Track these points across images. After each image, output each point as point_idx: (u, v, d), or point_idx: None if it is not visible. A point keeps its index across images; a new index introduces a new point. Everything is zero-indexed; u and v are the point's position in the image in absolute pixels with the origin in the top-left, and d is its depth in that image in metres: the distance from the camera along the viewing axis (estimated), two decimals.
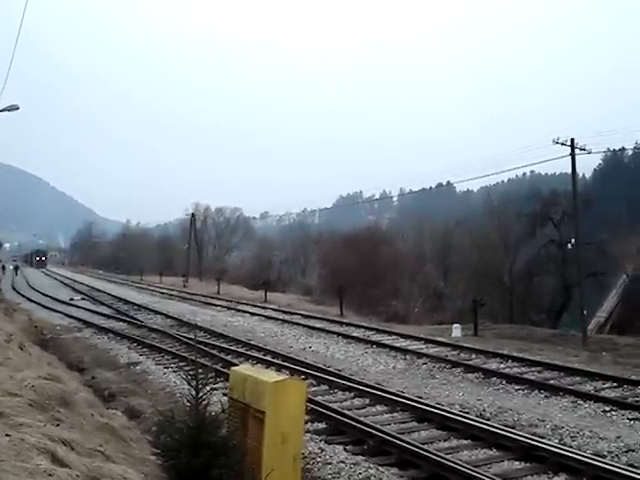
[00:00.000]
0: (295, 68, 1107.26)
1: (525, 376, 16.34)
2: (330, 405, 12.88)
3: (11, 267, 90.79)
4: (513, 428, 11.38)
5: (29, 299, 42.64)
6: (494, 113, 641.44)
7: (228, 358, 18.42)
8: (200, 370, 6.96)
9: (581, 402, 13.62)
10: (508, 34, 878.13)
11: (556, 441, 10.70)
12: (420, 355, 19.56)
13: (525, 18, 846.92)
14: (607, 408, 13.11)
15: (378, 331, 25.84)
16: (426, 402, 13.29)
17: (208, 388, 6.90)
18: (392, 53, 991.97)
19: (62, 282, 67.98)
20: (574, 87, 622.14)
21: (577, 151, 28.67)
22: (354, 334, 24.52)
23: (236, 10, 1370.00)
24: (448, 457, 9.57)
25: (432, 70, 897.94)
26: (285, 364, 17.60)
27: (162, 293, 50.85)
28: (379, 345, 21.72)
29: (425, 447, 10.10)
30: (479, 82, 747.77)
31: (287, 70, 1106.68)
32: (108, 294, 47.29)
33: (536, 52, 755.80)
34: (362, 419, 11.77)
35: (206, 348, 19.67)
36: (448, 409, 12.71)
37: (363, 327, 27.15)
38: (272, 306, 37.48)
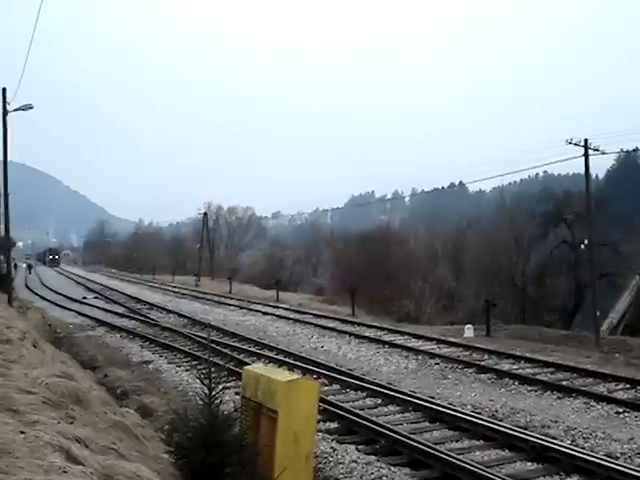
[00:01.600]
0: (308, 68, 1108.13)
1: (538, 377, 16.26)
2: (342, 405, 12.90)
3: (24, 266, 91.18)
4: (526, 429, 11.35)
5: (43, 297, 42.91)
6: (507, 112, 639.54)
7: (240, 357, 18.46)
8: (213, 369, 6.97)
9: (594, 403, 13.56)
10: (521, 31, 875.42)
11: (569, 442, 10.67)
12: (432, 355, 19.52)
13: (538, 14, 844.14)
14: (620, 409, 13.04)
15: (390, 331, 25.79)
16: (438, 402, 13.29)
17: (221, 387, 6.92)
18: (404, 52, 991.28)
19: (75, 281, 68.27)
20: (588, 86, 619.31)
21: (591, 152, 28.54)
22: (366, 334, 24.49)
23: (251, 12, 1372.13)
24: (460, 457, 9.56)
25: (444, 69, 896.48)
26: (297, 363, 17.61)
27: (174, 292, 50.95)
28: (391, 345, 21.69)
29: (437, 447, 10.09)
30: (492, 81, 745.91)
31: (301, 70, 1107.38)
32: (121, 293, 47.51)
33: (550, 51, 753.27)
34: (374, 419, 11.78)
35: (218, 347, 19.71)
36: (460, 409, 12.70)
37: (375, 327, 27.10)
38: (284, 305, 37.47)
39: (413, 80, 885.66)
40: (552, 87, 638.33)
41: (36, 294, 46.58)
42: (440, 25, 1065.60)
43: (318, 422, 9.73)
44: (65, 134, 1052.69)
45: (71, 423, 6.12)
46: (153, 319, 29.10)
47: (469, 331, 25.93)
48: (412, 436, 10.67)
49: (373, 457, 10.05)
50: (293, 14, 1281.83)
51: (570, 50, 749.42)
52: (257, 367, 9.43)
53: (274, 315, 31.80)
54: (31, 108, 30.86)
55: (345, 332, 25.02)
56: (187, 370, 17.16)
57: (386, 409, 13.24)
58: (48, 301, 39.88)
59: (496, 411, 12.94)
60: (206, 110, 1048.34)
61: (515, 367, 17.85)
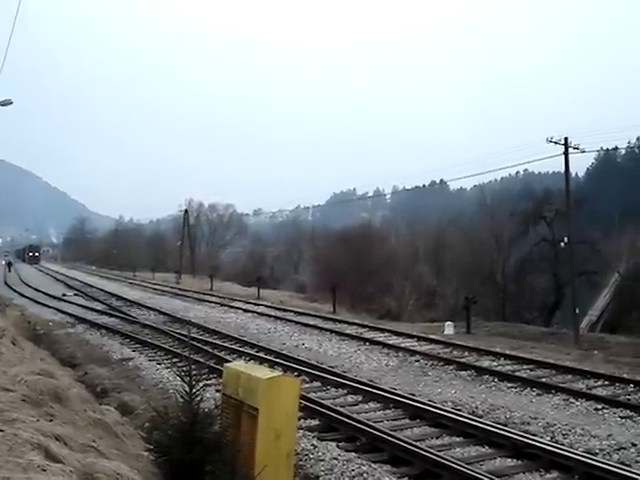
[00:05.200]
0: (288, 66, 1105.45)
1: (517, 374, 16.40)
2: (323, 402, 12.90)
3: (3, 263, 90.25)
4: (505, 426, 11.41)
5: (22, 295, 42.62)
6: (488, 112, 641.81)
7: (221, 354, 18.42)
8: (193, 366, 6.94)
9: (573, 400, 13.67)
10: (504, 34, 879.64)
11: (548, 439, 10.75)
12: (413, 352, 19.60)
13: (520, 18, 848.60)
14: (599, 406, 13.16)
15: (371, 328, 25.87)
16: (419, 399, 13.34)
17: (201, 384, 6.90)
18: (385, 52, 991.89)
19: (55, 278, 67.87)
20: (569, 87, 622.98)
21: (570, 150, 28.74)
22: (347, 331, 24.53)
23: (234, 8, 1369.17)
24: (441, 454, 9.60)
25: (425, 68, 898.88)
26: (278, 361, 17.61)
27: (155, 289, 50.85)
28: (372, 342, 21.74)
29: (418, 444, 10.13)
30: (473, 81, 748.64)
31: (280, 68, 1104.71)
32: (101, 290, 47.30)
33: (531, 52, 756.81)
34: (355, 416, 11.79)
35: (199, 344, 19.66)
36: (441, 406, 12.75)
37: (356, 324, 27.16)
38: (265, 303, 37.43)
39: (395, 79, 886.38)
40: (537, 88, 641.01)
41: (15, 291, 46.28)
42: (428, 26, 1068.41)
43: (299, 419, 9.73)
44: (45, 130, 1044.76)
45: (50, 421, 6.09)
46: (133, 316, 28.98)
47: (449, 328, 26.06)
48: (393, 433, 10.69)
49: (354, 454, 10.07)
50: (282, 13, 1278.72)
51: (554, 52, 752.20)
52: (238, 364, 9.42)
53: (255, 312, 31.78)
54: (10, 104, 30.58)
55: (326, 329, 25.07)
56: (167, 367, 17.09)
57: (367, 406, 13.27)
58: (27, 298, 39.61)
59: (476, 408, 13.01)
60: (187, 107, 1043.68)
61: (495, 364, 17.96)
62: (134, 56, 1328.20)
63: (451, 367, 17.49)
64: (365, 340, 22.27)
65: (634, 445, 10.47)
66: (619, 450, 10.28)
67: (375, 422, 11.51)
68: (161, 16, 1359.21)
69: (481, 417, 12.15)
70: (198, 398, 6.67)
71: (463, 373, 16.76)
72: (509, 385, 15.27)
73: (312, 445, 10.43)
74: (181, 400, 6.73)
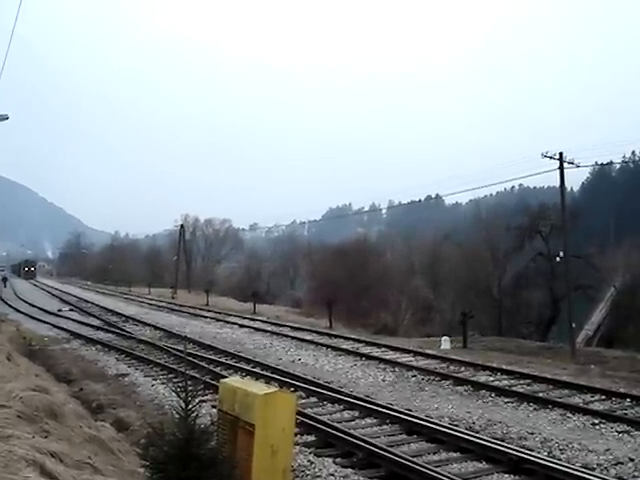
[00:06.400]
0: (285, 83, 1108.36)
1: (514, 389, 16.34)
2: (319, 417, 12.84)
3: None
4: (502, 441, 11.35)
5: (17, 310, 42.48)
6: (483, 127, 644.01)
7: (217, 370, 18.34)
8: (189, 382, 6.92)
9: (570, 415, 13.62)
10: (502, 51, 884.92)
11: (545, 454, 10.70)
12: (409, 367, 19.54)
13: (517, 36, 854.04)
14: (596, 421, 13.11)
15: (367, 343, 25.79)
16: (415, 415, 13.27)
17: (197, 400, 6.86)
18: (382, 69, 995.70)
19: (50, 293, 67.69)
20: (565, 103, 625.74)
21: (565, 165, 28.82)
22: (343, 346, 24.46)
23: (228, 25, 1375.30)
24: (438, 470, 9.54)
25: (422, 85, 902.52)
26: (274, 376, 17.54)
27: (150, 304, 50.73)
28: (368, 357, 21.68)
29: (414, 460, 10.06)
30: (469, 96, 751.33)
31: (277, 85, 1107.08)
32: (96, 305, 47.17)
33: (527, 68, 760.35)
34: (351, 432, 11.73)
35: (195, 360, 19.59)
36: (437, 422, 12.69)
37: (352, 339, 27.08)
38: (261, 318, 37.37)
39: (391, 96, 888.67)
40: (532, 103, 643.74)
41: (10, 306, 46.13)
42: (425, 43, 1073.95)
43: (295, 435, 9.68)
44: (41, 145, 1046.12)
45: (46, 437, 6.06)
46: (129, 332, 28.89)
47: (446, 343, 26.02)
48: (389, 449, 10.63)
49: (350, 470, 10.00)
50: (285, 32, 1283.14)
51: (548, 69, 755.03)
52: (234, 380, 9.39)
53: (251, 328, 31.71)
54: (7, 119, 30.54)
55: (322, 344, 25.01)
56: (163, 383, 17.01)
57: (363, 422, 13.20)
58: (23, 313, 39.47)
59: (473, 423, 12.96)
60: (185, 123, 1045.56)
61: (492, 379, 17.91)
62: (126, 70, 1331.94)
63: (448, 382, 17.43)
64: (361, 355, 22.21)
65: (631, 460, 10.43)
66: (616, 465, 10.23)
67: (372, 438, 11.44)
68: (157, 33, 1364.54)
69: (478, 432, 12.10)
70: (194, 414, 6.63)
71: (460, 388, 16.70)
72: (506, 400, 15.21)
73: (309, 461, 10.37)
74: (177, 416, 6.69)
